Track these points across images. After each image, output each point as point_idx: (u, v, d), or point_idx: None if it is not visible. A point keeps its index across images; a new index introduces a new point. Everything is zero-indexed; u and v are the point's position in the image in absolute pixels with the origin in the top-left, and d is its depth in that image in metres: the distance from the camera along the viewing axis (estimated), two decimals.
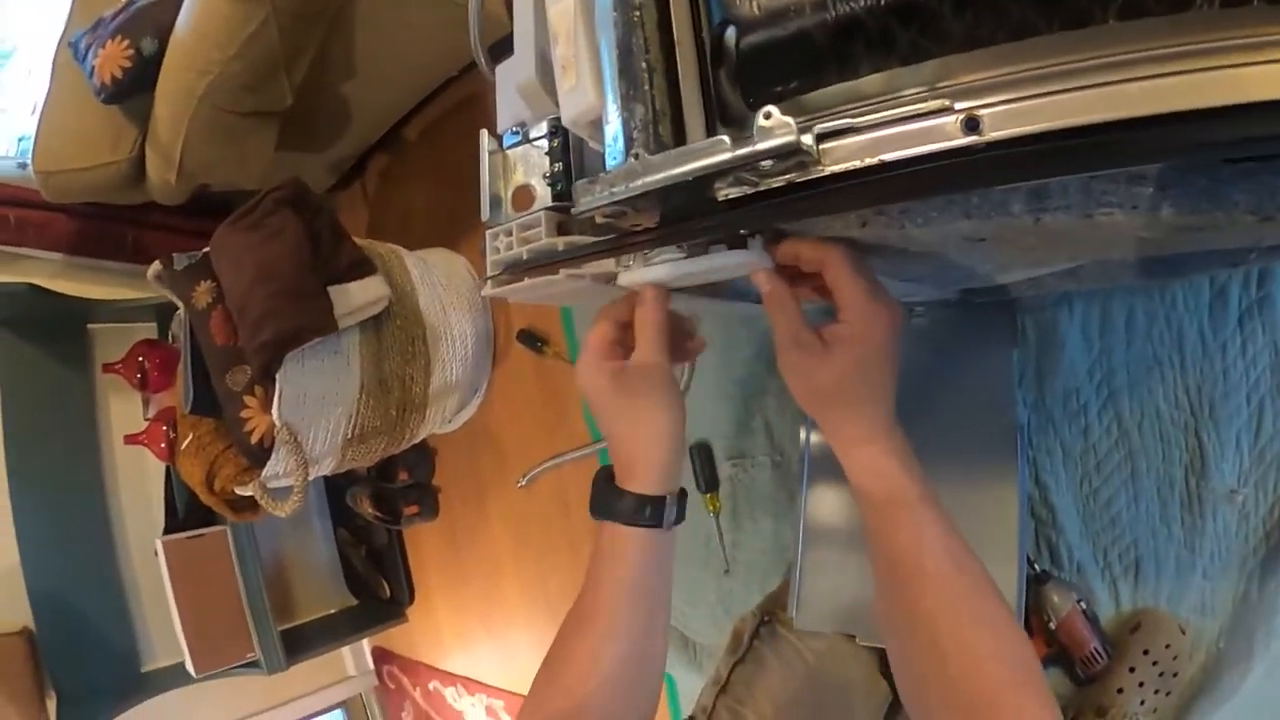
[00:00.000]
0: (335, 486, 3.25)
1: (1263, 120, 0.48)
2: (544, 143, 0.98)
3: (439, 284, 2.40)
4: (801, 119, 0.61)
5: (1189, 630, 1.65)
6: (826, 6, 0.60)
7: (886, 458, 0.99)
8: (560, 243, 0.97)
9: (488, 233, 1.03)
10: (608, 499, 1.04)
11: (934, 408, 1.68)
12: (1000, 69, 0.56)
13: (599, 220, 0.82)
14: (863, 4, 0.58)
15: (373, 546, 3.28)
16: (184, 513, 2.96)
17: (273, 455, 2.08)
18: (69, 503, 3.00)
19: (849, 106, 0.62)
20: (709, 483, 2.16)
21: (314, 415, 2.11)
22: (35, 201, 2.87)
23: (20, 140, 3.18)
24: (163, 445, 2.66)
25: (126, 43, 2.40)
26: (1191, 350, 1.63)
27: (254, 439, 2.11)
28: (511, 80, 1.01)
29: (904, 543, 0.97)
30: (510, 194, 1.04)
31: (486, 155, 1.02)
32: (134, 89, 2.44)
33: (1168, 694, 1.63)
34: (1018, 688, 0.88)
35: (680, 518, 1.08)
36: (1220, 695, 1.62)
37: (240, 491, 2.25)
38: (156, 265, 2.36)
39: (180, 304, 2.31)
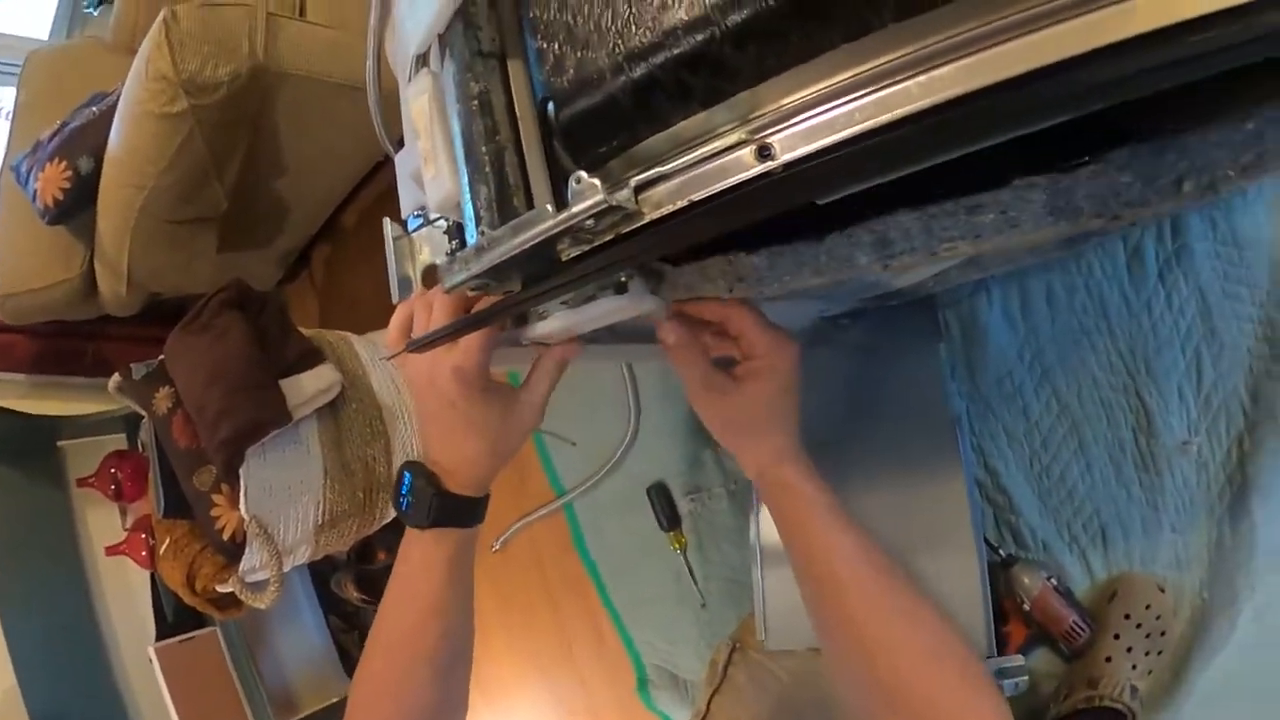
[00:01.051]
0: (320, 575, 3.23)
1: (1051, 94, 0.50)
2: (442, 223, 1.01)
3: (390, 364, 2.41)
4: (622, 175, 0.65)
5: (1168, 588, 1.66)
6: (623, 70, 0.63)
7: (797, 477, 1.05)
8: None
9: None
10: (448, 507, 1.06)
11: (872, 414, 1.71)
12: (799, 92, 0.58)
13: (469, 293, 0.86)
14: (654, 62, 0.61)
15: (364, 631, 3.18)
16: (173, 618, 2.97)
17: (246, 549, 2.08)
18: (59, 619, 2.99)
19: (673, 151, 0.65)
20: (671, 521, 2.18)
21: (282, 505, 2.12)
22: None
23: None
24: (143, 553, 2.68)
25: (64, 164, 2.45)
26: (1116, 313, 1.66)
27: (226, 535, 2.12)
28: (407, 168, 1.05)
29: (819, 552, 1.01)
30: (419, 274, 1.07)
31: (391, 241, 1.04)
32: (76, 208, 2.48)
33: (1159, 653, 1.64)
34: (955, 681, 0.91)
35: None
36: (1213, 645, 1.62)
37: (221, 589, 2.24)
38: (116, 377, 2.37)
39: (143, 412, 2.33)
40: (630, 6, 0.64)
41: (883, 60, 0.55)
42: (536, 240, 0.66)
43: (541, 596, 2.55)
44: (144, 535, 2.68)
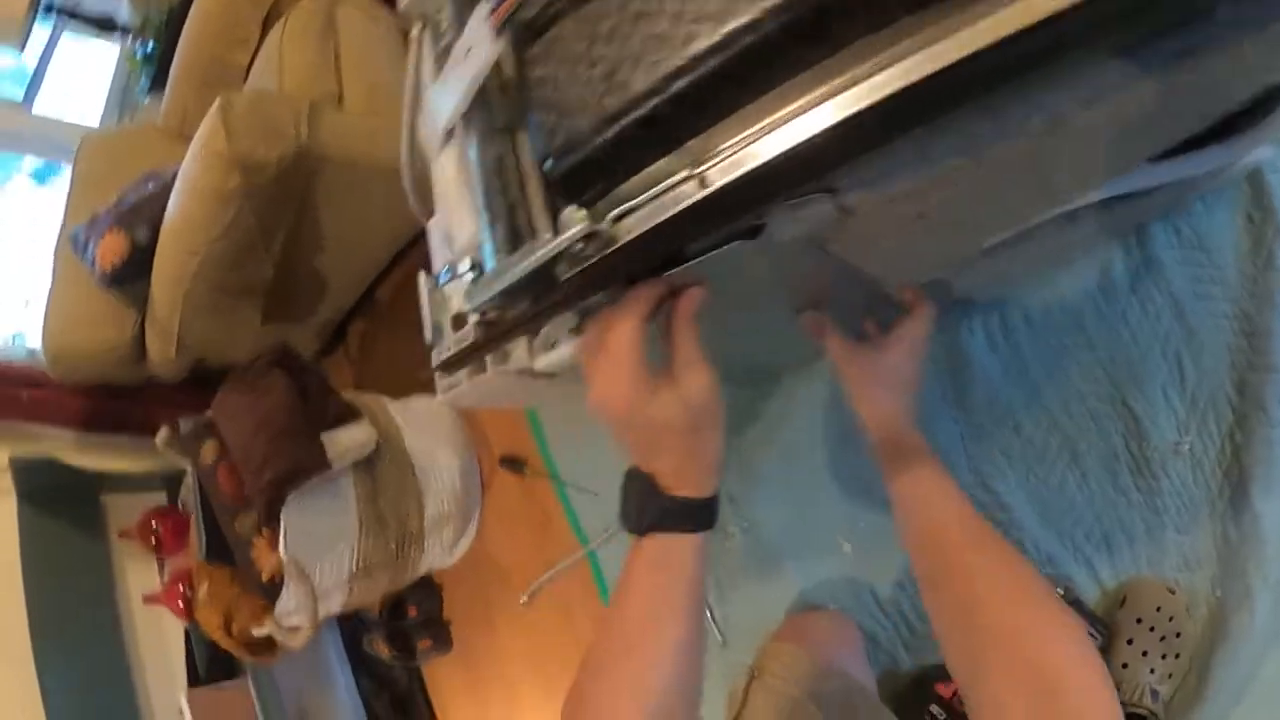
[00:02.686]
0: (353, 638, 3.26)
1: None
2: (468, 275, 1.18)
3: (423, 425, 2.59)
4: (605, 211, 0.83)
5: (1178, 589, 1.64)
6: (600, 132, 0.82)
7: (916, 436, 1.27)
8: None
9: (433, 353, 1.16)
10: (664, 509, 1.00)
11: None
12: (732, 134, 0.77)
13: (488, 318, 1.02)
14: (623, 123, 0.81)
15: (395, 693, 3.27)
16: (205, 670, 3.07)
17: (283, 590, 2.24)
18: (93, 668, 3.05)
19: (642, 190, 0.81)
20: None
21: (319, 552, 2.28)
22: (46, 382, 3.07)
23: (15, 338, 3.41)
24: (180, 604, 2.79)
25: (123, 233, 2.65)
26: (1094, 327, 1.72)
27: (264, 576, 2.28)
28: (438, 231, 1.18)
29: (932, 507, 1.18)
30: (449, 321, 1.23)
31: (425, 293, 1.15)
32: (132, 275, 2.67)
33: (1176, 656, 1.60)
34: (1045, 616, 1.00)
35: None
36: (1234, 641, 1.59)
37: (257, 632, 2.38)
38: (164, 431, 2.57)
39: (189, 463, 2.51)
40: (600, 83, 0.83)
41: (788, 107, 0.74)
42: (538, 261, 0.84)
43: (571, 648, 2.54)
44: (181, 587, 2.81)
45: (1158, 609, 1.61)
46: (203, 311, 2.64)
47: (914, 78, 0.67)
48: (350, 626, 3.04)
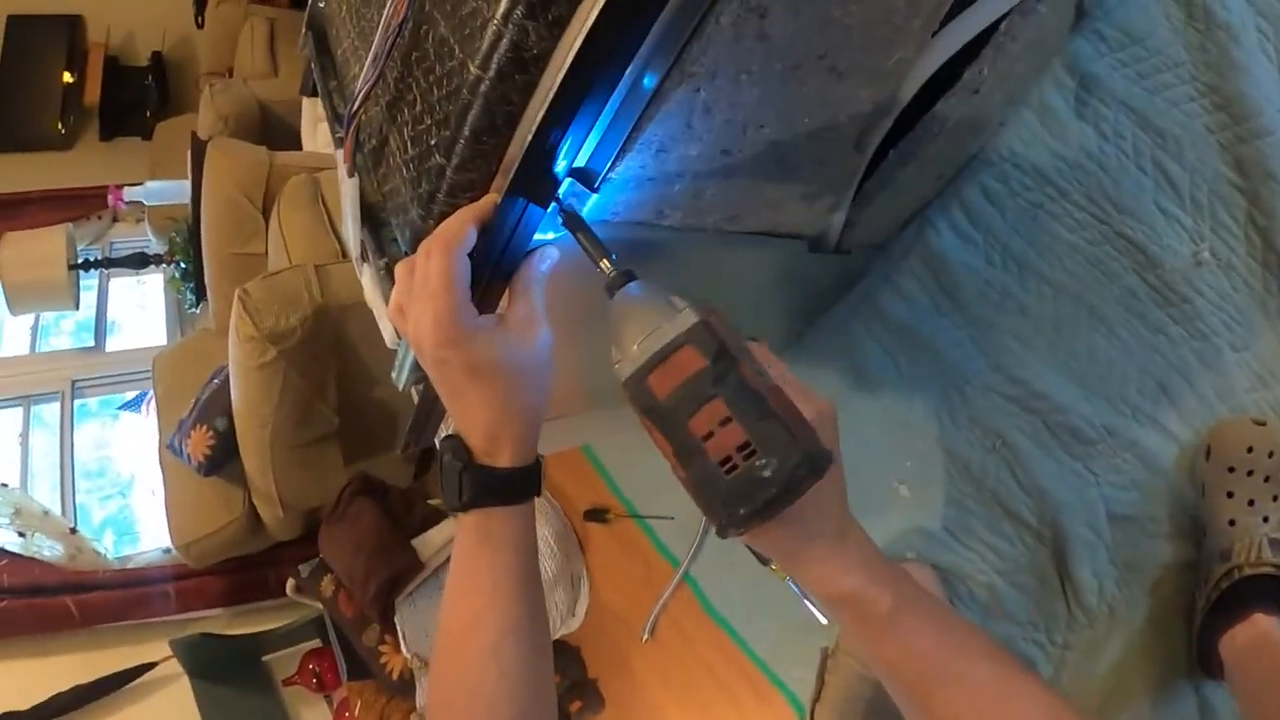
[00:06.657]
0: None
1: None
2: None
3: None
4: None
5: (1268, 417, 1.43)
6: (429, 214, 0.93)
7: (845, 575, 0.90)
8: None
9: None
10: (481, 483, 0.89)
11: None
12: None
13: None
14: (440, 203, 0.90)
15: None
16: None
17: (417, 685, 2.46)
18: None
19: None
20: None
21: None
22: (186, 573, 3.36)
23: (166, 551, 3.64)
24: None
25: (205, 428, 2.96)
26: (1057, 173, 1.55)
27: (394, 676, 2.51)
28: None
29: (897, 663, 0.90)
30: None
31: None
32: (223, 458, 2.97)
33: None
34: None
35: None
36: None
37: None
38: (291, 580, 2.84)
39: (315, 601, 2.77)
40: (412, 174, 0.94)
41: None
42: None
43: (696, 665, 2.47)
44: (347, 715, 2.98)
45: (1249, 449, 1.37)
46: (290, 469, 2.88)
47: None
48: None
